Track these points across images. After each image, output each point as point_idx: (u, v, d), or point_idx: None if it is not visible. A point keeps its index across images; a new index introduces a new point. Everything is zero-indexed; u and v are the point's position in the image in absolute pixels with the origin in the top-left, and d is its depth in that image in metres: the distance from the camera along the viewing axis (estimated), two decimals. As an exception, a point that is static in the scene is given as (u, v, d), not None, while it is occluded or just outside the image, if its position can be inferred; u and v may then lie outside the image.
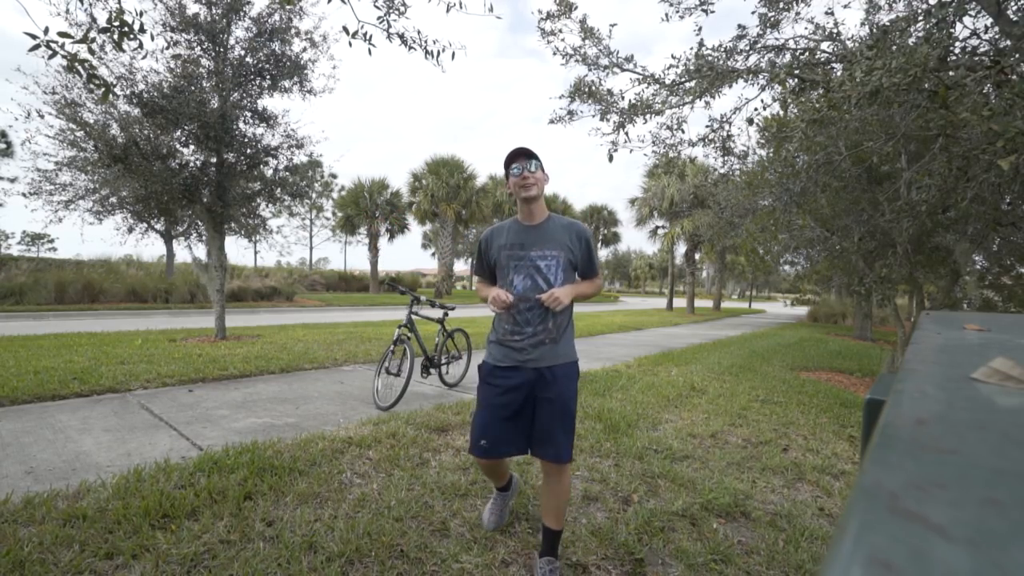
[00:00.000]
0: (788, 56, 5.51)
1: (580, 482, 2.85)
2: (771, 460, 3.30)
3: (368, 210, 28.29)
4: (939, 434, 0.33)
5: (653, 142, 6.49)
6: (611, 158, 6.21)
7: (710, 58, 5.53)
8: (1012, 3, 4.10)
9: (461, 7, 4.11)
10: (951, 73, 3.66)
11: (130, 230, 8.42)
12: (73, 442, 3.23)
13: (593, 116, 6.33)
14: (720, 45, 5.63)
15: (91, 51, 3.02)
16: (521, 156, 1.97)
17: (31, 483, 2.61)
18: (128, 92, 6.83)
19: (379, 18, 4.03)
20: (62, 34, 2.73)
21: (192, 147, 7.69)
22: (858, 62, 3.58)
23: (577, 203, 50.14)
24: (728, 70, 5.53)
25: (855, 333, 14.97)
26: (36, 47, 2.67)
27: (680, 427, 4.00)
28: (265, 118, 8.00)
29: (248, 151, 7.89)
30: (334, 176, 34.65)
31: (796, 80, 5.04)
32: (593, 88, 6.20)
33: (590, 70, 6.21)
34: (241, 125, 7.83)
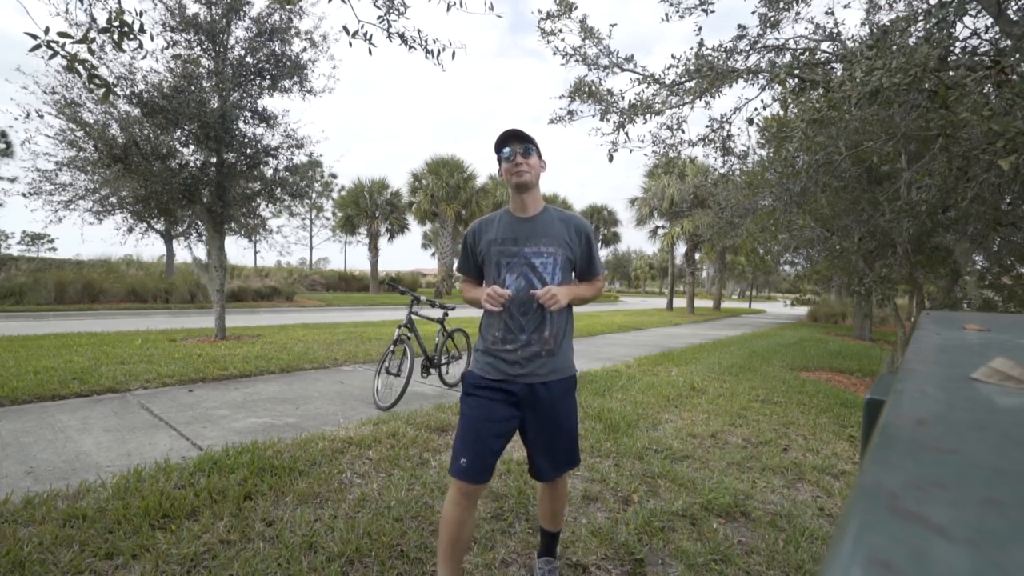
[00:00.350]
0: (788, 56, 5.51)
1: (580, 482, 2.85)
2: (771, 460, 3.30)
3: (368, 210, 28.29)
4: (939, 434, 0.33)
5: (653, 142, 6.49)
6: (611, 158, 6.21)
7: (710, 58, 5.53)
8: (1012, 3, 4.10)
9: (461, 6, 4.11)
10: (951, 73, 3.66)
11: (130, 230, 8.42)
12: (73, 442, 3.23)
13: (593, 116, 6.33)
14: (720, 45, 5.63)
15: (91, 51, 3.02)
16: (513, 139, 1.74)
17: (31, 483, 2.61)
18: (128, 92, 6.83)
19: (379, 18, 4.03)
20: (62, 34, 2.73)
21: (192, 147, 7.70)
22: (858, 62, 3.58)
23: (577, 203, 50.09)
24: (728, 70, 5.52)
25: (855, 333, 14.97)
26: (36, 47, 2.67)
27: (680, 427, 4.00)
28: (265, 118, 8.00)
29: (248, 151, 7.89)
30: (334, 176, 34.67)
31: (796, 80, 5.04)
32: (593, 88, 6.20)
33: (590, 70, 6.21)
34: (241, 125, 7.83)
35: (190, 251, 9.24)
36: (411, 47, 4.20)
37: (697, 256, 26.22)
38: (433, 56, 4.24)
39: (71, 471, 2.78)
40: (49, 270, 16.07)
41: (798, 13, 5.44)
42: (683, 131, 6.30)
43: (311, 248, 41.50)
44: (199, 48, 7.50)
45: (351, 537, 2.14)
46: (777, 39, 5.62)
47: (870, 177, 5.73)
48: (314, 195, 29.50)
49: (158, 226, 11.51)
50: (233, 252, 56.30)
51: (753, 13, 5.48)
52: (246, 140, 7.87)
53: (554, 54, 6.18)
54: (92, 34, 2.95)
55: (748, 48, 5.61)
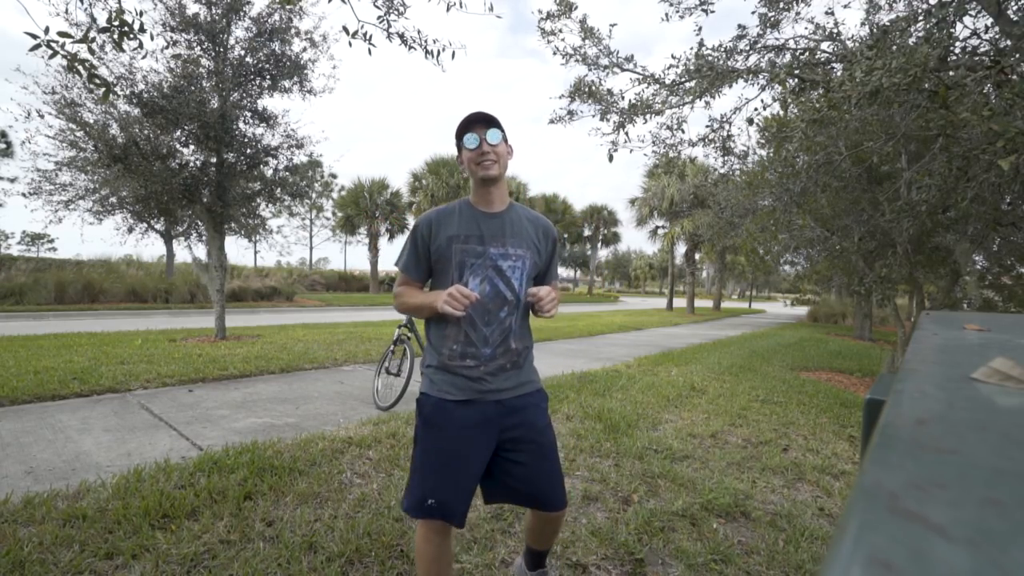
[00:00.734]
0: (788, 56, 5.51)
1: (580, 482, 2.85)
2: (771, 460, 3.30)
3: (368, 210, 28.29)
4: (939, 434, 0.33)
5: (653, 142, 6.49)
6: (611, 158, 6.21)
7: (710, 58, 5.53)
8: (1012, 3, 4.10)
9: (461, 6, 4.11)
10: (951, 73, 3.66)
11: (130, 230, 8.43)
12: (73, 442, 3.23)
13: (593, 116, 6.33)
14: (720, 45, 5.63)
15: (91, 51, 3.02)
16: (478, 123, 1.49)
17: (31, 483, 2.61)
18: (128, 92, 6.83)
19: (379, 18, 4.03)
20: (62, 34, 2.73)
21: (192, 147, 7.70)
22: (858, 62, 3.58)
23: (577, 203, 50.13)
24: (728, 70, 5.52)
25: (855, 333, 14.97)
26: (37, 47, 2.67)
27: (680, 427, 4.00)
28: (265, 118, 8.00)
29: (248, 151, 7.89)
30: (334, 176, 34.64)
31: (796, 80, 5.04)
32: (593, 88, 6.20)
33: (590, 70, 6.21)
34: (241, 125, 7.84)
35: (190, 251, 9.26)
36: (411, 47, 4.20)
37: (697, 256, 26.22)
38: (433, 56, 4.24)
39: (71, 471, 2.78)
40: (49, 270, 16.08)
41: (798, 13, 5.44)
42: (683, 131, 6.30)
43: (311, 248, 41.51)
44: (199, 48, 7.50)
45: (351, 537, 2.14)
46: (777, 39, 5.62)
47: (870, 177, 5.73)
48: (314, 195, 29.49)
49: (158, 226, 11.52)
50: (233, 252, 56.30)
51: (753, 13, 5.48)
52: (246, 140, 7.88)
53: (554, 54, 6.19)
54: (92, 34, 2.95)
55: (748, 48, 5.61)
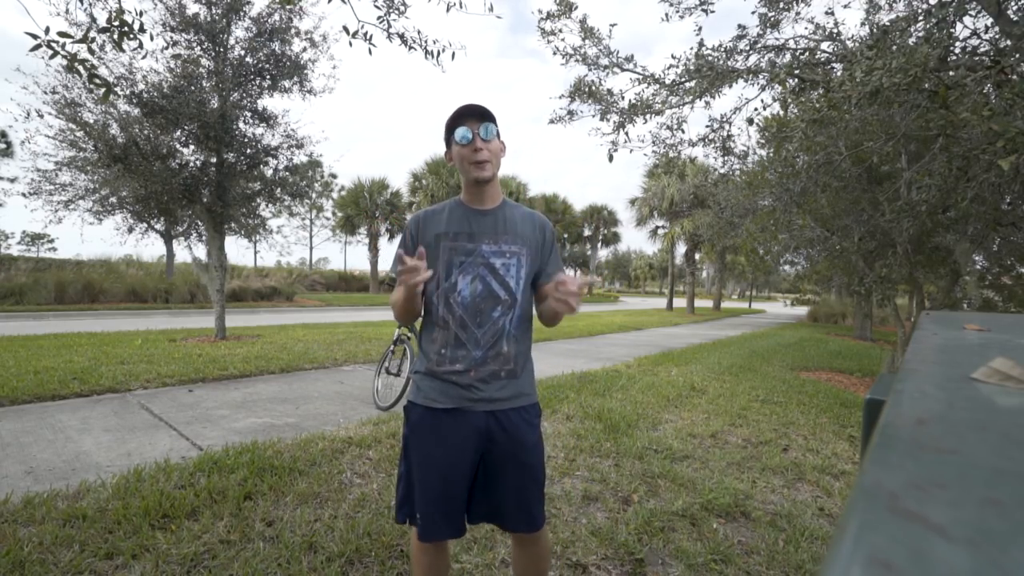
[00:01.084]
0: (788, 56, 5.51)
1: (580, 482, 2.85)
2: (771, 460, 3.30)
3: (368, 210, 28.29)
4: (939, 434, 0.33)
5: (653, 142, 6.49)
6: (611, 158, 6.21)
7: (710, 58, 5.53)
8: (1012, 3, 4.10)
9: (461, 7, 4.11)
10: (951, 73, 3.66)
11: (130, 230, 8.43)
12: (73, 442, 3.23)
13: (593, 116, 6.33)
14: (720, 45, 5.63)
15: (91, 51, 3.02)
16: (470, 117, 1.39)
17: (31, 483, 2.61)
18: (128, 92, 6.84)
19: (379, 18, 4.03)
20: (62, 34, 2.73)
21: (192, 147, 7.70)
22: (858, 62, 3.58)
23: (577, 203, 50.11)
24: (728, 70, 5.52)
25: (855, 333, 14.97)
26: (37, 47, 2.67)
27: (680, 427, 4.00)
28: (265, 118, 8.00)
29: (248, 151, 7.89)
30: (334, 176, 34.64)
31: (796, 80, 5.04)
32: (593, 88, 6.20)
33: (590, 70, 6.21)
34: (241, 125, 7.84)
35: (190, 251, 9.26)
36: (411, 47, 4.20)
37: (697, 256, 26.23)
38: (433, 56, 4.24)
39: (71, 471, 2.78)
40: (49, 270, 16.08)
41: (798, 13, 5.44)
42: (683, 131, 6.30)
43: (311, 248, 41.50)
44: (199, 48, 7.50)
45: (351, 537, 2.14)
46: (777, 39, 5.62)
47: (870, 177, 5.73)
48: (314, 195, 29.49)
49: (158, 226, 11.52)
50: (233, 252, 56.30)
51: (753, 13, 5.48)
52: (246, 140, 7.88)
53: (554, 54, 6.19)
54: (92, 34, 2.95)
55: (748, 48, 5.61)
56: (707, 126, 6.34)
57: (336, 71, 12.69)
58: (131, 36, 3.01)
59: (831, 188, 5.74)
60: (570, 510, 2.51)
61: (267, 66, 7.75)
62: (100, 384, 4.60)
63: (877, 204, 5.52)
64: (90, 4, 3.87)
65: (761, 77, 5.75)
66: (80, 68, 2.91)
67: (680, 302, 28.84)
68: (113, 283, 15.57)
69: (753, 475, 3.07)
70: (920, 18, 3.96)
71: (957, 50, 4.05)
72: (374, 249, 28.72)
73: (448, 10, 4.09)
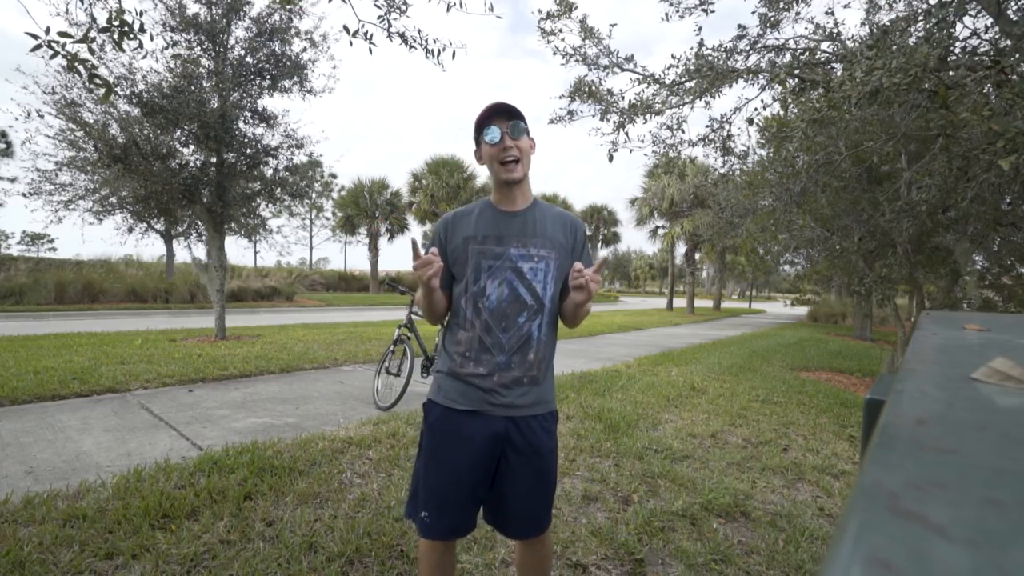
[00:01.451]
0: (788, 56, 5.51)
1: (580, 482, 2.85)
2: (771, 460, 3.30)
3: (368, 210, 28.29)
4: (939, 434, 0.33)
5: (653, 142, 6.49)
6: (611, 158, 6.21)
7: (710, 58, 5.53)
8: (1012, 3, 4.10)
9: (461, 6, 4.11)
10: (951, 73, 3.66)
11: (130, 230, 8.43)
12: (73, 442, 3.23)
13: (593, 116, 6.33)
14: (720, 45, 5.63)
15: (91, 51, 3.02)
16: (499, 115, 1.38)
17: (31, 483, 2.61)
18: (128, 92, 6.84)
19: (379, 17, 4.03)
20: (63, 34, 2.73)
21: (192, 147, 7.70)
22: (858, 62, 3.58)
23: (577, 203, 50.05)
24: (728, 70, 5.52)
25: (855, 333, 14.97)
26: (37, 47, 2.67)
27: (680, 427, 4.00)
28: (265, 118, 8.00)
29: (248, 151, 7.89)
30: (334, 176, 34.62)
31: (796, 80, 5.04)
32: (593, 88, 6.20)
33: (590, 70, 6.21)
34: (241, 125, 7.84)
35: (190, 251, 9.26)
36: (411, 47, 4.20)
37: (697, 256, 26.23)
38: (433, 56, 4.24)
39: (71, 471, 2.78)
40: (49, 270, 16.08)
41: (798, 13, 5.44)
42: (683, 131, 6.30)
43: (311, 248, 41.48)
44: (199, 48, 7.50)
45: (351, 537, 2.14)
46: (777, 39, 5.62)
47: (870, 177, 5.73)
48: (314, 195, 29.47)
49: (158, 226, 11.52)
50: (233, 252, 56.26)
51: (753, 13, 5.48)
52: (246, 140, 7.88)
53: (554, 54, 6.19)
54: (92, 34, 2.95)
55: (748, 48, 5.61)
56: (707, 126, 6.34)
57: (336, 71, 12.67)
58: (131, 36, 3.01)
59: (831, 188, 5.74)
60: (570, 510, 2.51)
61: (267, 66, 7.75)
62: (100, 384, 4.60)
63: (877, 204, 5.52)
64: (90, 4, 3.87)
65: (761, 77, 5.75)
66: (80, 68, 2.91)
67: (680, 302, 28.84)
68: (113, 283, 15.57)
69: (753, 475, 3.07)
70: (920, 18, 3.96)
71: (957, 50, 4.04)
72: (374, 249, 28.71)
73: (448, 9, 4.09)
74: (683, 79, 5.76)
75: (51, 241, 47.22)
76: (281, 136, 8.17)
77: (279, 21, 7.68)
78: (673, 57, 5.65)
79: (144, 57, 6.91)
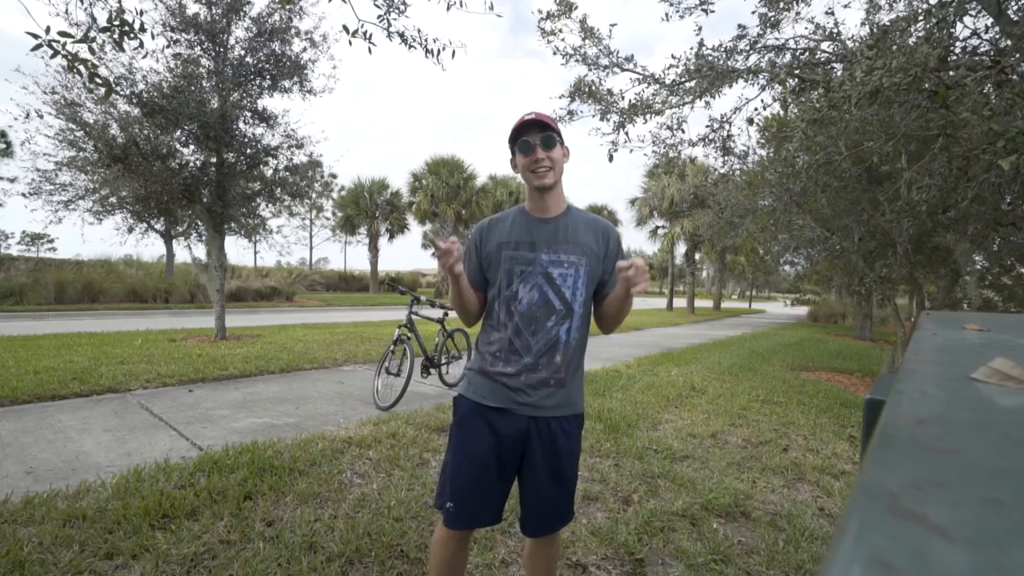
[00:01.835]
0: (788, 56, 5.51)
1: (580, 482, 2.85)
2: (771, 460, 3.30)
3: (368, 210, 28.29)
4: (939, 434, 0.33)
5: (653, 142, 6.48)
6: (611, 158, 6.21)
7: (710, 58, 5.52)
8: (1012, 3, 4.10)
9: (461, 6, 4.11)
10: (951, 73, 3.66)
11: (130, 230, 8.43)
12: (73, 442, 3.23)
13: (593, 116, 6.32)
14: (720, 45, 5.63)
15: (91, 51, 3.02)
16: (533, 128, 1.44)
17: (31, 483, 2.61)
18: (128, 92, 6.83)
19: (379, 17, 4.03)
20: (63, 34, 2.73)
21: (192, 147, 7.70)
22: (858, 62, 3.58)
23: (577, 203, 49.89)
24: (728, 70, 5.52)
25: (855, 333, 14.97)
26: (37, 47, 2.67)
27: (680, 427, 4.00)
28: (265, 118, 8.00)
29: (248, 151, 7.89)
30: (334, 176, 34.58)
31: (796, 80, 5.04)
32: (593, 88, 6.20)
33: (590, 70, 6.21)
34: (241, 125, 7.84)
35: (190, 251, 9.26)
36: (411, 46, 4.20)
37: (697, 256, 26.23)
38: (433, 55, 4.23)
39: (71, 471, 2.78)
40: (49, 270, 16.07)
41: (798, 13, 5.44)
42: (683, 131, 6.30)
43: (311, 248, 41.45)
44: (199, 48, 7.50)
45: (351, 537, 2.14)
46: (777, 39, 5.61)
47: (870, 177, 5.73)
48: (314, 195, 29.44)
49: (158, 226, 11.52)
50: (233, 252, 56.30)
51: (753, 13, 5.48)
52: (246, 140, 7.88)
53: (554, 54, 6.18)
54: (92, 33, 2.95)
55: (748, 48, 5.61)
56: (707, 126, 6.34)
57: (336, 71, 12.67)
58: (131, 36, 3.01)
59: (831, 188, 5.74)
60: (570, 510, 2.51)
61: (267, 66, 7.75)
62: (100, 384, 4.60)
63: (877, 204, 5.52)
64: (90, 4, 3.87)
65: (761, 77, 5.75)
66: (81, 68, 2.91)
67: (680, 302, 28.83)
68: (113, 283, 15.57)
69: (753, 475, 3.07)
70: (920, 18, 3.96)
71: (957, 50, 4.04)
72: (374, 249, 28.71)
73: (448, 9, 4.09)
74: (683, 79, 5.76)
75: (51, 241, 47.18)
76: (281, 136, 8.17)
77: (279, 21, 7.68)
78: (673, 57, 5.65)
79: (144, 57, 6.92)
